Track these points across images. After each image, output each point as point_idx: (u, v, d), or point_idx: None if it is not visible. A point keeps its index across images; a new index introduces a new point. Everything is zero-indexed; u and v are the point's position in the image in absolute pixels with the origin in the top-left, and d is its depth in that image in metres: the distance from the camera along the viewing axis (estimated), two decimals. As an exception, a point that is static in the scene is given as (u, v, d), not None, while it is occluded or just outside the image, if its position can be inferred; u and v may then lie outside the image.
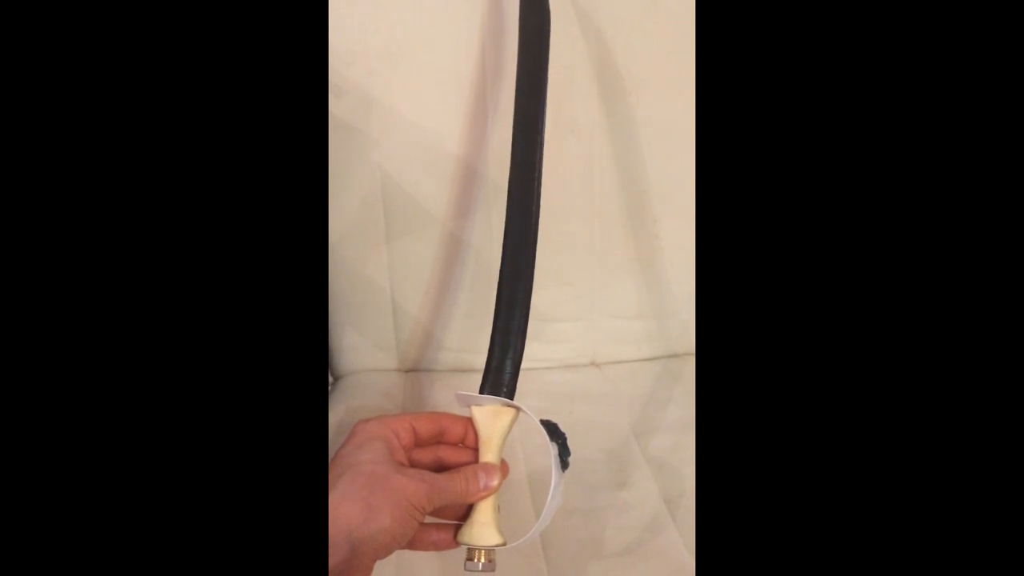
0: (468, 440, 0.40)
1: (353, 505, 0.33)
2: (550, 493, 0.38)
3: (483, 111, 0.58)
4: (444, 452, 0.39)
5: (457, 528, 0.38)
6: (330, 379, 0.69)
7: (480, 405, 0.40)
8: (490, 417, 0.39)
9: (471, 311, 0.65)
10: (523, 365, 0.67)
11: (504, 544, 0.38)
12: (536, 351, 0.67)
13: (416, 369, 0.68)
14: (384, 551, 0.33)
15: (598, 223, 0.64)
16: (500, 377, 0.40)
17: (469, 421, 0.40)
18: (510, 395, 0.40)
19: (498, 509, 0.39)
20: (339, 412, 0.60)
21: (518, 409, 0.40)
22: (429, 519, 0.38)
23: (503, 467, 0.39)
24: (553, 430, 0.39)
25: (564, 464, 0.39)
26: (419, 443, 0.38)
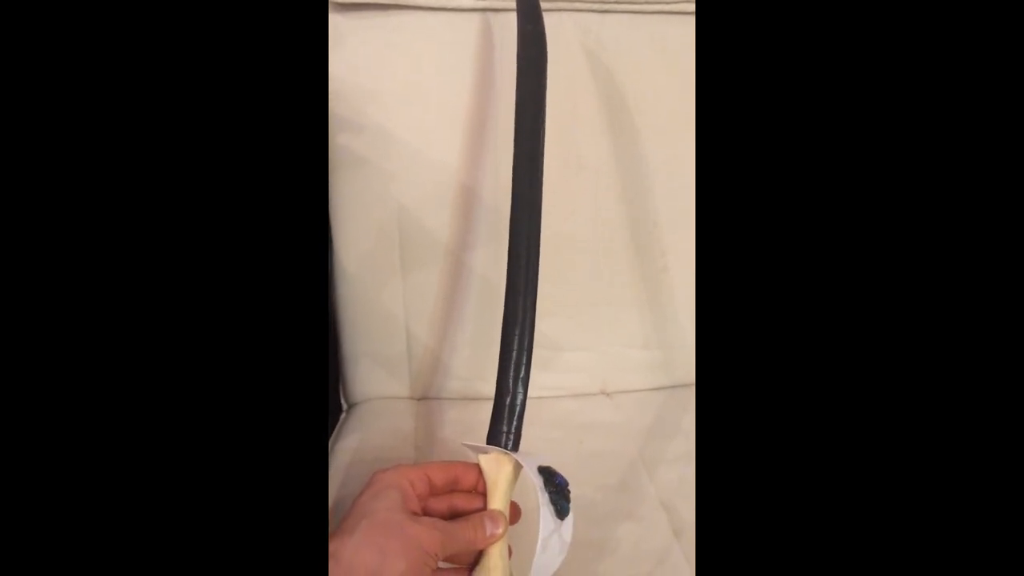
0: (480, 487, 0.41)
1: (369, 552, 0.34)
2: (539, 544, 0.38)
3: (496, 146, 0.60)
4: (458, 500, 0.41)
5: (470, 573, 0.39)
6: (344, 406, 0.70)
7: (486, 453, 0.41)
8: (494, 465, 0.41)
9: (482, 340, 0.66)
10: (534, 394, 0.67)
11: None
12: (546, 380, 0.68)
13: (428, 397, 0.69)
14: None
15: (608, 255, 0.66)
16: (499, 426, 0.42)
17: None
18: (512, 443, 0.41)
19: (508, 553, 0.40)
20: (353, 440, 0.61)
21: (514, 460, 0.41)
22: (444, 565, 0.39)
23: (514, 511, 0.41)
24: (549, 477, 0.40)
25: (560, 511, 0.39)
26: (434, 492, 0.40)
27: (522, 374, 0.42)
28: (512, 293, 0.43)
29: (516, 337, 0.43)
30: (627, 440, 0.63)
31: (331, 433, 0.66)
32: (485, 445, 0.41)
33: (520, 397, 0.42)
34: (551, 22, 0.58)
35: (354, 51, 0.57)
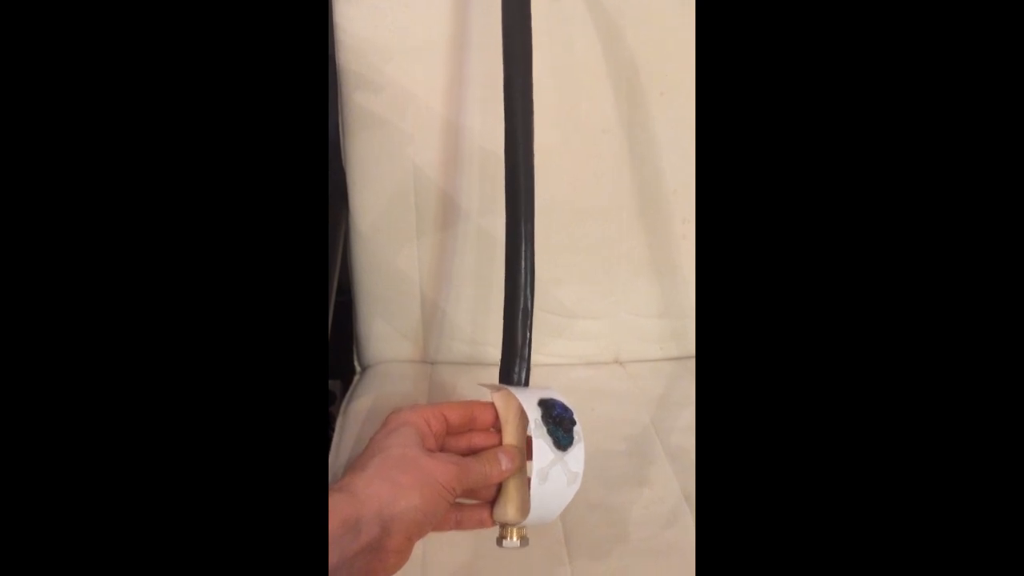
0: (498, 426, 0.41)
1: (382, 485, 0.34)
2: (534, 475, 0.38)
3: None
4: (476, 438, 0.41)
5: (491, 508, 0.40)
6: (357, 368, 0.70)
7: (497, 390, 0.41)
8: (505, 401, 0.41)
9: (497, 305, 0.66)
10: (547, 361, 0.67)
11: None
12: (560, 348, 0.68)
13: (441, 361, 0.69)
14: (416, 529, 0.34)
15: (625, 223, 0.65)
16: (510, 364, 0.42)
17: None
18: (523, 379, 0.42)
19: (527, 486, 0.40)
20: (367, 400, 0.62)
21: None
22: (465, 501, 0.39)
23: (531, 447, 0.40)
24: (548, 409, 0.39)
25: (558, 442, 0.38)
26: (451, 431, 0.40)
27: (529, 311, 0.43)
28: (512, 233, 0.44)
29: (521, 273, 0.43)
30: (639, 408, 0.63)
31: (345, 395, 0.66)
32: (498, 384, 0.41)
33: (527, 336, 0.43)
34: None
35: (373, 6, 0.56)
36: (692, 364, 0.70)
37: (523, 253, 0.44)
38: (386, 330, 0.67)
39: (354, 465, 0.36)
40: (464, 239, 0.63)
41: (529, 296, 0.43)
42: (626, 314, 0.69)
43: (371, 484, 0.34)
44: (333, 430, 0.60)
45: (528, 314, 0.43)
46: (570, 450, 0.39)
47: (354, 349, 0.70)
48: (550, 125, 0.59)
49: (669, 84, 0.60)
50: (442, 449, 0.39)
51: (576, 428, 0.40)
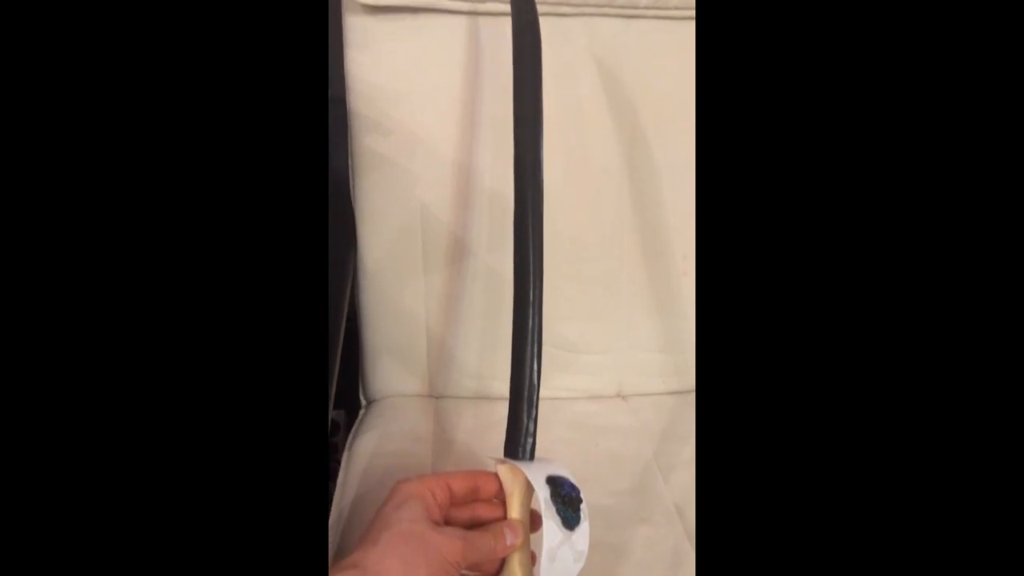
0: (502, 496, 0.42)
1: (393, 562, 0.35)
2: (544, 555, 0.38)
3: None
4: (480, 509, 0.42)
5: None
6: (362, 401, 0.71)
7: (503, 463, 0.42)
8: (510, 475, 0.41)
9: (501, 340, 0.67)
10: (552, 395, 0.68)
11: None
12: (564, 381, 0.69)
13: (446, 395, 0.70)
14: None
15: (627, 259, 0.66)
16: (515, 437, 0.42)
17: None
18: (528, 453, 0.42)
19: (532, 561, 0.41)
20: (372, 437, 0.62)
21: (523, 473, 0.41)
22: (468, 574, 0.40)
23: (535, 520, 0.41)
24: (557, 487, 0.40)
25: (567, 522, 0.39)
26: (455, 501, 0.41)
27: (536, 384, 0.43)
28: (520, 304, 0.44)
29: (528, 345, 0.43)
30: (642, 443, 0.64)
31: (351, 429, 0.67)
32: (503, 456, 0.42)
33: (533, 410, 0.43)
34: (563, 27, 0.58)
35: (381, 53, 0.58)
36: (693, 398, 0.71)
37: (530, 339, 0.43)
38: (392, 365, 0.68)
39: (364, 539, 0.37)
40: (470, 276, 0.64)
41: (535, 378, 0.43)
42: (628, 348, 0.70)
43: (382, 561, 0.35)
44: (334, 460, 0.61)
45: (534, 389, 0.43)
46: (577, 529, 0.39)
47: (359, 382, 0.71)
48: (554, 165, 0.60)
49: (667, 125, 0.62)
50: (447, 520, 0.40)
51: (582, 506, 0.40)
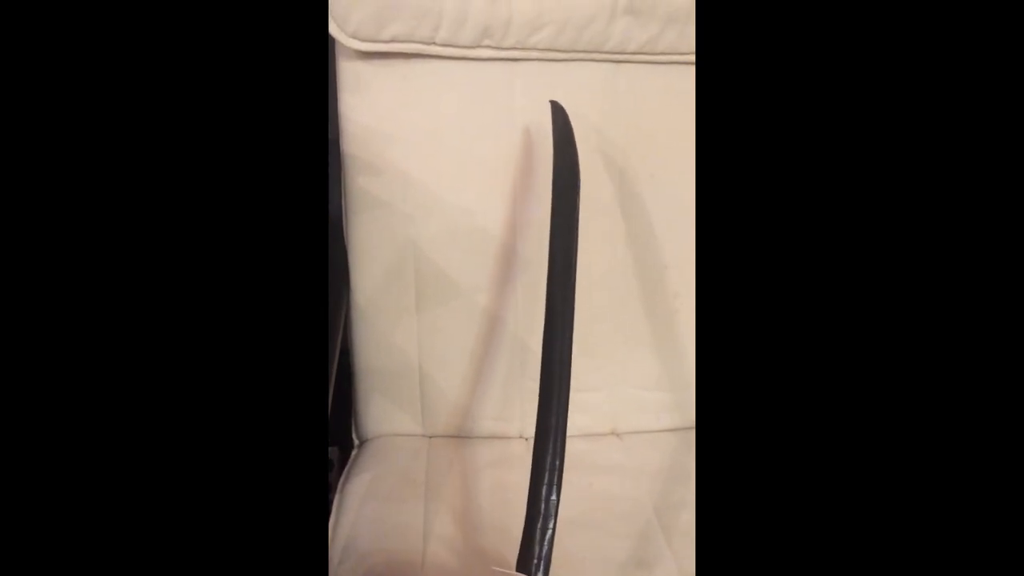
0: None
1: None
2: None
3: (514, 189, 0.61)
4: None
5: None
6: (355, 442, 0.70)
7: None
8: None
9: (493, 379, 0.67)
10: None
11: None
12: (558, 420, 0.69)
13: (439, 435, 0.69)
14: None
15: (620, 297, 0.66)
16: (529, 553, 0.41)
17: None
18: (542, 571, 0.41)
19: None
20: (365, 478, 0.62)
21: None
22: None
23: None
24: None
25: None
26: None
27: (553, 499, 0.41)
28: (544, 412, 0.43)
29: (548, 458, 0.42)
30: (637, 483, 0.63)
31: (343, 468, 0.66)
32: (515, 573, 0.41)
33: (551, 524, 0.41)
34: (552, 72, 0.59)
35: (376, 98, 0.58)
36: (687, 435, 0.71)
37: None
38: (384, 403, 0.68)
39: None
40: (462, 315, 0.65)
41: (552, 520, 0.41)
42: (622, 386, 0.70)
43: None
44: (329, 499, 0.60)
45: (549, 520, 0.41)
46: None
47: (352, 421, 0.71)
48: (548, 205, 0.61)
49: (658, 167, 0.63)
50: None
51: None
